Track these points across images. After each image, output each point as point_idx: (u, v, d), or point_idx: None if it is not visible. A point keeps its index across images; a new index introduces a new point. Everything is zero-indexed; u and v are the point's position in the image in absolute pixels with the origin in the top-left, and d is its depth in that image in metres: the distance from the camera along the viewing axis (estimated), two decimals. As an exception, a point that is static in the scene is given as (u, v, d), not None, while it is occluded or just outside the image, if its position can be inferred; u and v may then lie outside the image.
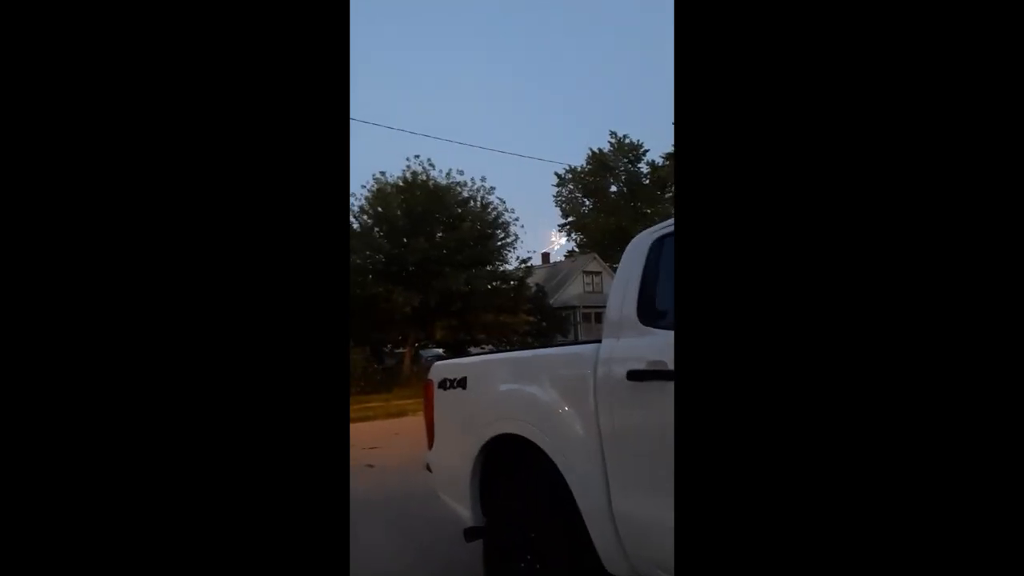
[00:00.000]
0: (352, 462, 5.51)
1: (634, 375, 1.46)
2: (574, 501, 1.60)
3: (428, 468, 2.42)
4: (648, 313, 1.60)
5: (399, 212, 15.03)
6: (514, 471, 1.93)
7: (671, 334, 1.51)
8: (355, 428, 8.26)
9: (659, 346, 1.47)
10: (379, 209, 15.40)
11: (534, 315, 17.21)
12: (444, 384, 2.29)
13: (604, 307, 1.85)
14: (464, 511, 2.09)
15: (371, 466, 5.20)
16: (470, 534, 2.00)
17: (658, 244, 1.66)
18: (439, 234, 15.27)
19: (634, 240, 1.77)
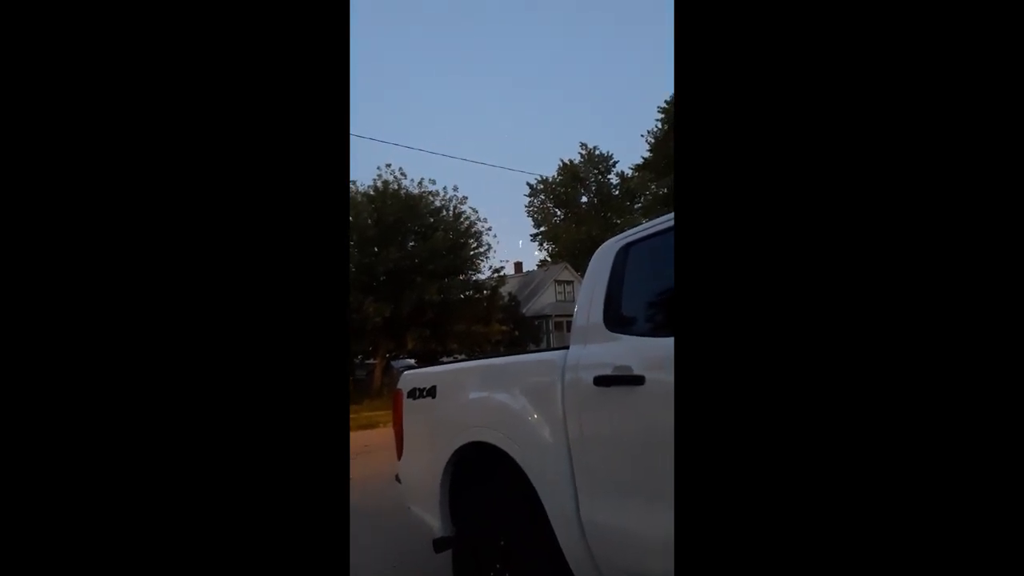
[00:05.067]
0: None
1: (601, 380, 1.48)
2: (543, 508, 1.60)
3: (398, 479, 2.40)
4: (614, 319, 1.62)
5: (370, 221, 14.90)
6: (484, 479, 1.92)
7: (636, 340, 1.54)
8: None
9: (625, 352, 1.49)
10: (349, 219, 15.24)
11: (507, 324, 17.21)
12: (413, 393, 2.27)
13: (572, 314, 1.87)
14: (434, 521, 2.07)
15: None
16: (439, 544, 1.98)
17: (623, 252, 1.69)
18: (411, 243, 15.18)
19: (600, 248, 1.80)
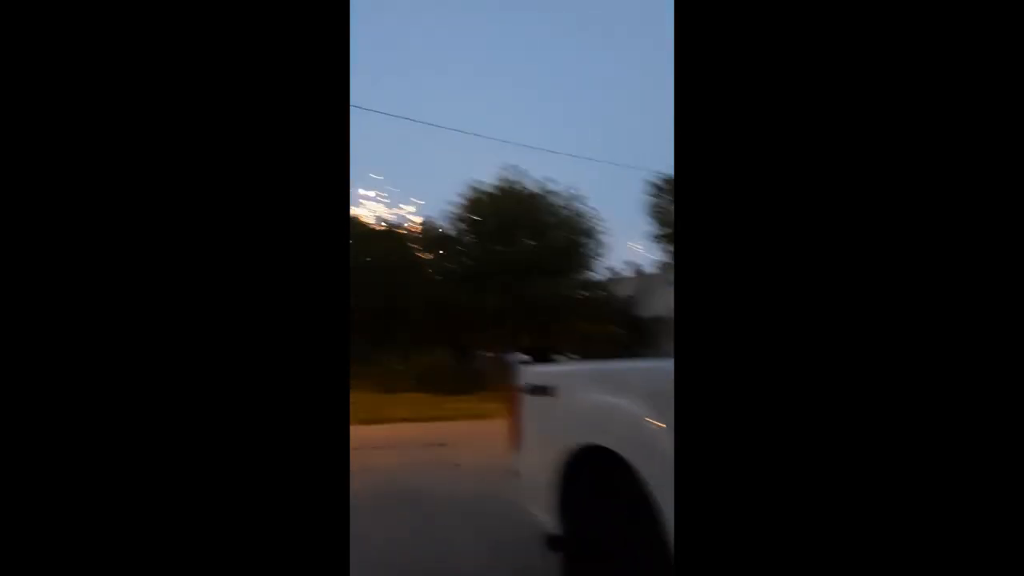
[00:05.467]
0: (438, 460, 5.71)
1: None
2: (661, 518, 1.54)
3: (512, 472, 2.45)
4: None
5: (490, 219, 15.38)
6: (601, 483, 1.90)
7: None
8: (440, 427, 8.52)
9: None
10: (471, 216, 15.84)
11: (622, 326, 16.88)
12: (530, 390, 2.30)
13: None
14: (546, 519, 2.09)
15: (457, 465, 5.34)
16: (552, 543, 1.99)
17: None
18: (528, 241, 15.44)
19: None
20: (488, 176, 16.60)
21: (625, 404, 1.78)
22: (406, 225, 21.07)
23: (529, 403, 2.31)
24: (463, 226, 16.10)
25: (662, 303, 21.99)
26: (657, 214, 31.14)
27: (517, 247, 14.98)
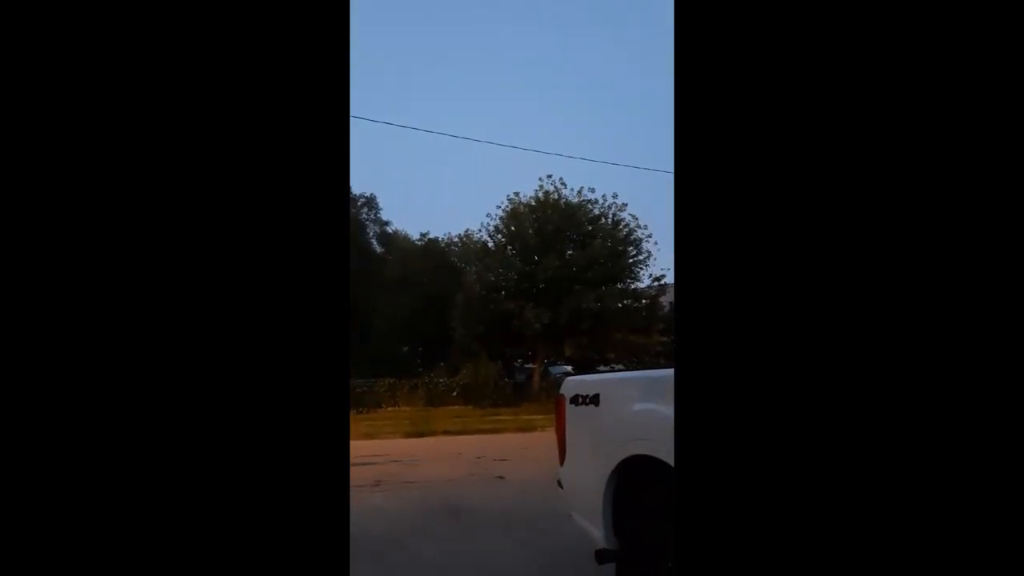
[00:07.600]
0: (483, 473, 5.69)
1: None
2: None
3: (559, 484, 2.41)
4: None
5: (531, 231, 15.41)
6: (650, 494, 1.85)
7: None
8: (486, 440, 8.53)
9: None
10: (512, 228, 15.92)
11: (668, 335, 16.54)
12: (576, 400, 2.27)
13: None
14: (596, 532, 2.04)
15: (501, 478, 5.31)
16: (602, 556, 1.94)
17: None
18: (570, 252, 15.38)
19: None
20: (528, 187, 16.67)
21: (671, 412, 1.73)
22: (448, 239, 21.41)
23: (574, 414, 2.28)
24: (504, 239, 16.19)
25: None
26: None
27: (559, 258, 14.93)
